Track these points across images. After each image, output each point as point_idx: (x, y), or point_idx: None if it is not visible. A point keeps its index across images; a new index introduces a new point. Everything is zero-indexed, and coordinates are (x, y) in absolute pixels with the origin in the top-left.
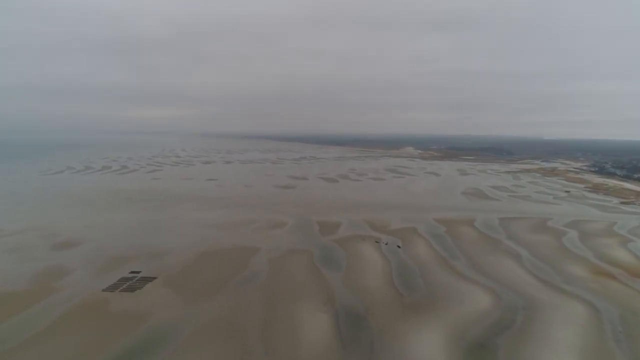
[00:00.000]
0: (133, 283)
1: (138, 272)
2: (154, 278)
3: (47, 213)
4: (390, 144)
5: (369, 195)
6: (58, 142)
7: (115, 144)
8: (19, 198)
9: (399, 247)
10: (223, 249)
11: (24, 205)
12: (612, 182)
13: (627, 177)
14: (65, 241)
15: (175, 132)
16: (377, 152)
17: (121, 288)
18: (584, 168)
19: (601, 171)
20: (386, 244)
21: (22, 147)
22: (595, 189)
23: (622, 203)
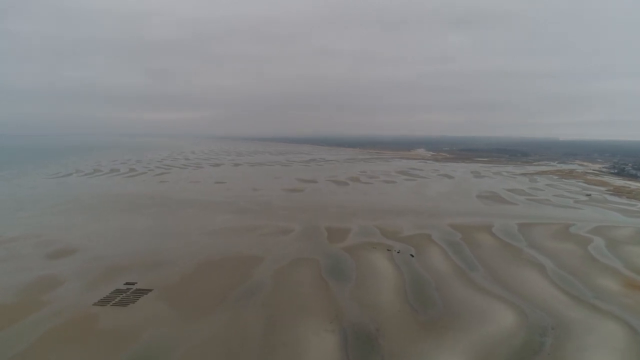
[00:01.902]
0: (127, 296)
1: (133, 284)
2: (150, 290)
3: (47, 219)
4: (402, 146)
5: (380, 199)
6: (70, 145)
7: (126, 146)
8: (21, 202)
9: (412, 255)
10: (225, 258)
11: (25, 210)
12: (634, 184)
13: None
14: (61, 249)
15: (186, 135)
16: (389, 154)
17: (113, 302)
18: (603, 170)
19: (622, 173)
20: (398, 252)
21: (34, 151)
22: (617, 192)
23: None
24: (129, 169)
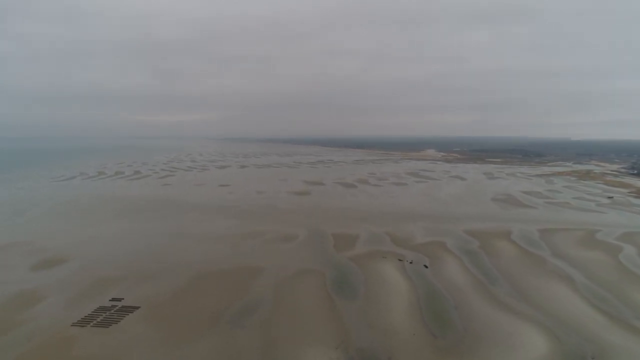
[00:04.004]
0: (110, 314)
1: (120, 300)
2: (137, 308)
3: (42, 224)
4: (411, 147)
5: (390, 203)
6: (78, 147)
7: (134, 148)
8: (19, 206)
9: (426, 266)
10: (223, 269)
11: (22, 215)
12: None
13: None
14: (49, 259)
15: (195, 137)
16: (398, 154)
17: (94, 322)
18: (622, 170)
19: None
20: (411, 262)
21: (40, 153)
22: None
23: None
24: (133, 171)
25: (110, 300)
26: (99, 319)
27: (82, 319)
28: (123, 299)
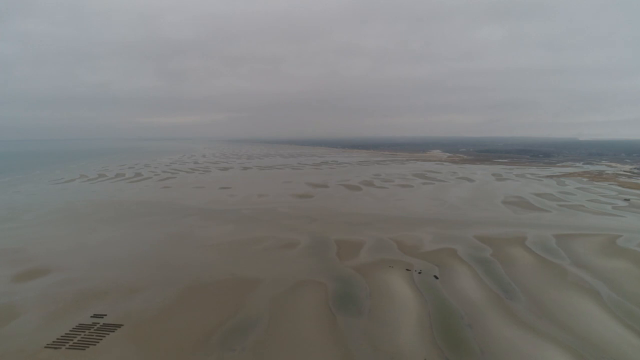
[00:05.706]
0: (90, 334)
1: (102, 317)
2: (119, 326)
3: (34, 230)
4: (417, 147)
5: (396, 206)
6: (83, 150)
7: (137, 150)
8: (15, 211)
9: (436, 277)
10: (217, 281)
11: (16, 220)
12: None
13: None
14: (32, 269)
15: (201, 138)
16: (403, 155)
17: (71, 343)
18: (636, 171)
19: None
20: (419, 272)
21: (44, 156)
22: None
23: None
24: (134, 173)
25: (91, 316)
26: (76, 340)
27: (57, 339)
28: (105, 315)
